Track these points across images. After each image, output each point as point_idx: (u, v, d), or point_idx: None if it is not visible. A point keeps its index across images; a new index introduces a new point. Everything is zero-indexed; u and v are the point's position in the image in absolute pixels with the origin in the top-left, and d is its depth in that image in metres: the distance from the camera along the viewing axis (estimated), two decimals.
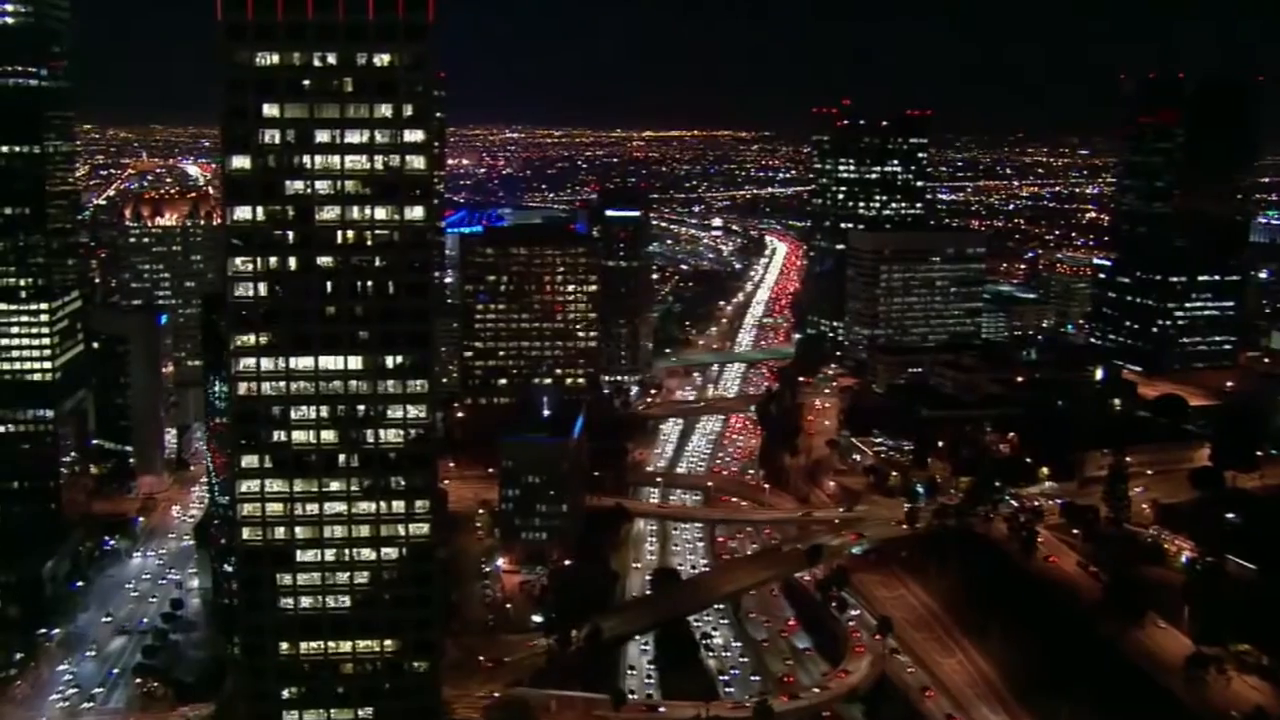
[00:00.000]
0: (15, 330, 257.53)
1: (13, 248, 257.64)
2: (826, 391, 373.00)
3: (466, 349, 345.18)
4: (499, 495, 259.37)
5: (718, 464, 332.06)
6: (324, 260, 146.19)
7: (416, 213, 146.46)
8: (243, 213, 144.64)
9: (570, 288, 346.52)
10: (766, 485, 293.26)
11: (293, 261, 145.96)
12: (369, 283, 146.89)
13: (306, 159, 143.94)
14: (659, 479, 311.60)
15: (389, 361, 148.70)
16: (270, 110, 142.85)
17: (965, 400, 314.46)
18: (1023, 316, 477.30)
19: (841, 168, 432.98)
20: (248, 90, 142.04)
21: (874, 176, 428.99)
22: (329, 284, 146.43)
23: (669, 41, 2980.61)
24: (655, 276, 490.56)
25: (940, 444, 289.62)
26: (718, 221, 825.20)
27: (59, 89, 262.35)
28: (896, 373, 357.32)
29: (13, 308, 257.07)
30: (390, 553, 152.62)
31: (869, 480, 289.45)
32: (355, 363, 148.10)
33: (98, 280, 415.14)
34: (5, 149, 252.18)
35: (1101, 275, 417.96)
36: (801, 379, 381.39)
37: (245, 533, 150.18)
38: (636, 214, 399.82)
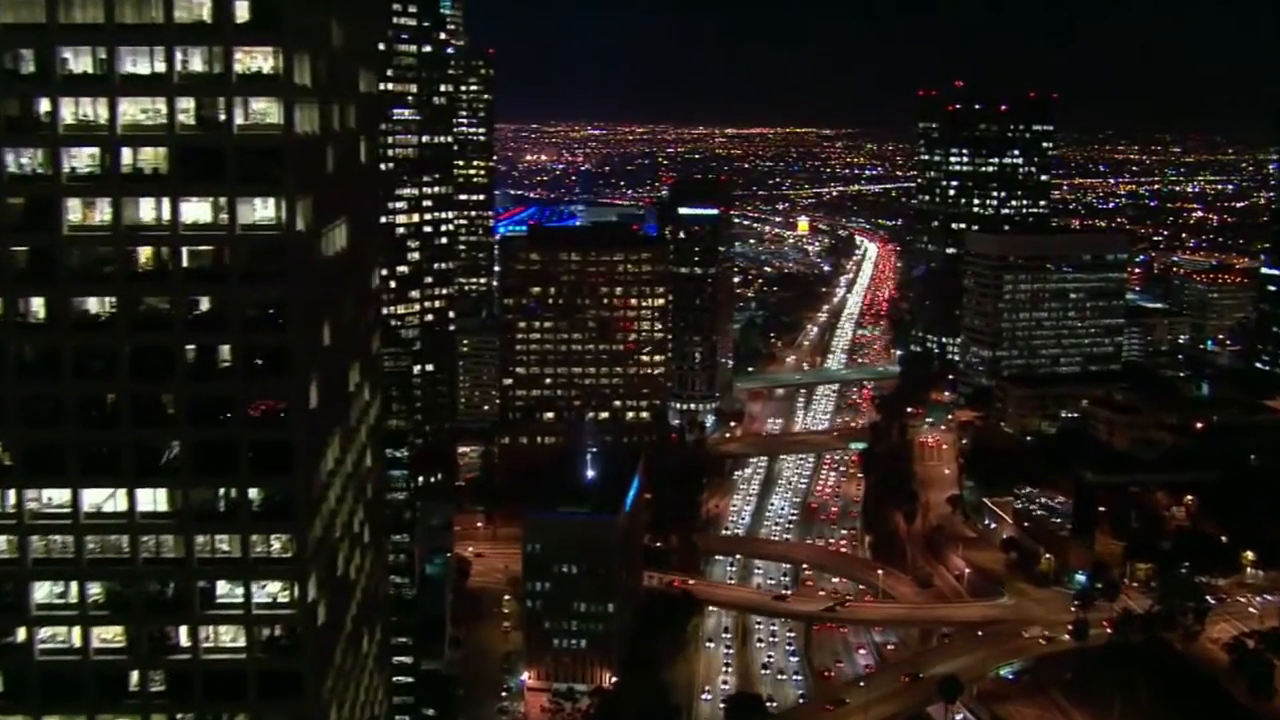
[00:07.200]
0: None
1: None
2: (943, 428, 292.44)
3: (506, 375, 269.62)
4: (522, 589, 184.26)
5: (811, 521, 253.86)
6: (86, 305, 70.52)
7: (265, 211, 69.67)
8: None
9: (634, 300, 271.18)
10: (880, 570, 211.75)
11: (33, 306, 70.56)
12: (178, 347, 70.93)
13: (45, 106, 68.43)
14: (737, 555, 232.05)
15: (219, 499, 72.53)
16: None
17: (1142, 459, 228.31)
18: (1153, 330, 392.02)
19: (953, 159, 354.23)
20: None
21: (991, 169, 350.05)
22: (98, 350, 70.72)
23: (752, 37, 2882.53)
24: (736, 280, 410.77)
25: (1100, 509, 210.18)
26: (804, 220, 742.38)
27: None
28: (1030, 409, 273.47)
29: None
30: None
31: (1009, 557, 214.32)
32: (153, 500, 71.86)
33: None
34: None
35: (1270, 287, 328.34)
36: (909, 409, 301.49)
37: None
38: (714, 212, 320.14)
